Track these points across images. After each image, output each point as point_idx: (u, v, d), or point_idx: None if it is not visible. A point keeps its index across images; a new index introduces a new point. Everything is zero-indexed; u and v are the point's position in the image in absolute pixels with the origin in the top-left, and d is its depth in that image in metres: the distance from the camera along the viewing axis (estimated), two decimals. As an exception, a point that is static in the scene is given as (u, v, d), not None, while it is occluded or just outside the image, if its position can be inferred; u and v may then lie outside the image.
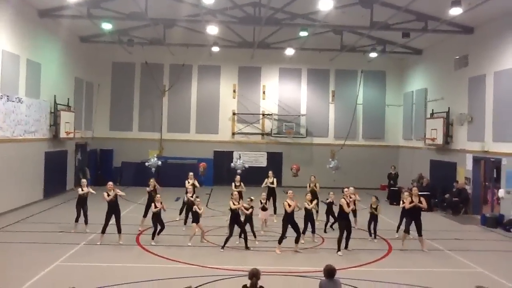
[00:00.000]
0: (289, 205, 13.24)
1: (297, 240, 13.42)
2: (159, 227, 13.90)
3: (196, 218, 13.84)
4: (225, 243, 13.32)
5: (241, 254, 13.08)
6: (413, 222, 13.95)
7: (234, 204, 13.58)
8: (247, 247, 13.45)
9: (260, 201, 14.99)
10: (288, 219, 13.34)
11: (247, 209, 13.90)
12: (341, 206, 13.60)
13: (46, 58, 21.51)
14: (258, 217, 15.10)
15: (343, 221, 13.57)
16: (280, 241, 13.41)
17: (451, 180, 21.62)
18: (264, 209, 15.08)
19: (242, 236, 13.61)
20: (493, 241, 15.93)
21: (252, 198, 14.34)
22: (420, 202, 13.91)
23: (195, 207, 14.01)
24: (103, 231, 13.62)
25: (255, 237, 14.18)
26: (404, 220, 14.57)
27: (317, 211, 16.06)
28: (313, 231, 14.62)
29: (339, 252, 13.24)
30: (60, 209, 18.94)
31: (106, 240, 13.63)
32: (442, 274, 11.84)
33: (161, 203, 14.01)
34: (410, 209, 14.00)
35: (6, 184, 17.69)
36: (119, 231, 13.70)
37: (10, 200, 18.06)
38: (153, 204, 14.08)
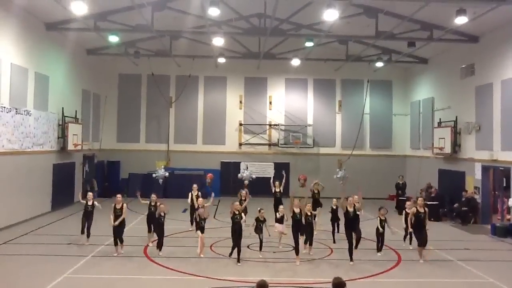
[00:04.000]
0: (294, 212, 13.37)
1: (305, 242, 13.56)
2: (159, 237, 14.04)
3: (199, 227, 13.75)
4: (238, 255, 13.18)
5: (248, 265, 12.99)
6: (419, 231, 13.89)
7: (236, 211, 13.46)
8: (239, 261, 13.10)
9: (276, 214, 14.73)
10: (296, 226, 13.34)
11: (260, 222, 13.83)
12: (345, 212, 13.64)
13: (54, 70, 21.72)
14: (273, 230, 14.76)
15: (348, 230, 13.54)
16: (296, 252, 13.22)
17: (460, 189, 21.45)
18: (280, 221, 14.54)
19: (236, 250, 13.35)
20: (504, 250, 15.74)
21: (262, 209, 14.18)
22: (424, 212, 13.81)
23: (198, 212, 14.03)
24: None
25: (260, 249, 14.04)
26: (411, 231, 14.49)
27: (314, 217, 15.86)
28: (310, 243, 14.30)
29: (351, 262, 13.19)
30: (68, 221, 18.97)
31: (114, 252, 13.68)
32: (452, 285, 11.70)
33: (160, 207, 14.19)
34: (413, 220, 13.95)
35: (15, 196, 17.77)
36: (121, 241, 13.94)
37: (18, 212, 18.14)
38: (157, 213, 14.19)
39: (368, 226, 16.27)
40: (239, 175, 24.66)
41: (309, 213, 13.87)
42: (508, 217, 18.54)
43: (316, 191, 17.50)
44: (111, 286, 10.91)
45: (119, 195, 14.31)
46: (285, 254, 14.19)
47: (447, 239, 17.14)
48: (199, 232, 13.72)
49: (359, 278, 11.75)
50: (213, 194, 15.81)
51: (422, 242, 13.75)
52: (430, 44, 21.71)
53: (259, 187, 22.59)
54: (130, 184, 27.52)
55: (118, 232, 13.86)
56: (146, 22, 19.50)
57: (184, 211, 20.44)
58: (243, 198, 16.47)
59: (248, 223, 14.40)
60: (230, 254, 13.43)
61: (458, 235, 18.26)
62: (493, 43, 19.87)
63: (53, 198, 21.35)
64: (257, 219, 13.93)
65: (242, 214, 13.82)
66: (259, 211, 14.05)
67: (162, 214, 14.04)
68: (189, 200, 16.97)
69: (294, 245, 13.32)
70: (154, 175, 23.94)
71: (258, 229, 13.91)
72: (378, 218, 14.53)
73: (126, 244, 14.36)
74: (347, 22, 20.81)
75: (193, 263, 13.11)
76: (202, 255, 13.59)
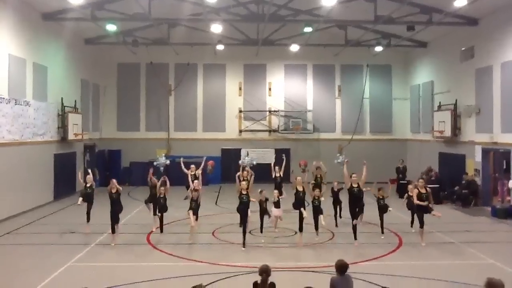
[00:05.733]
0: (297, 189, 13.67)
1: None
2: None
3: (191, 207, 13.85)
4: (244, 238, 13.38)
5: (251, 251, 13.09)
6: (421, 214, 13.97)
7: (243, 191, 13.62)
8: (244, 245, 13.21)
9: (274, 198, 14.83)
10: (298, 204, 13.54)
11: (263, 202, 14.00)
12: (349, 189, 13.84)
13: (52, 61, 21.65)
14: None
15: (352, 206, 13.77)
16: (300, 229, 13.43)
17: (460, 172, 21.52)
18: (276, 205, 14.57)
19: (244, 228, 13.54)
20: (504, 232, 15.86)
21: (263, 190, 14.30)
22: (427, 192, 13.87)
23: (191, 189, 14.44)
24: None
25: (261, 231, 14.19)
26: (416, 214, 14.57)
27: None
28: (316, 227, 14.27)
29: (355, 243, 13.42)
30: (71, 210, 19.04)
31: (118, 240, 13.72)
32: (454, 266, 11.80)
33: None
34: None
35: (17, 187, 17.84)
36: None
37: (21, 202, 18.23)
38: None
39: (368, 210, 16.33)
40: (240, 161, 24.74)
41: (317, 197, 13.89)
42: (508, 198, 18.63)
43: (318, 176, 17.47)
44: (115, 274, 11.00)
45: (113, 180, 14.22)
46: (287, 239, 14.29)
47: (448, 221, 17.21)
48: (190, 212, 13.76)
49: (361, 261, 11.84)
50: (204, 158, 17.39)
51: (422, 223, 13.83)
52: (430, 28, 21.59)
53: (259, 173, 22.55)
54: (131, 173, 27.63)
55: (115, 217, 13.69)
56: (143, 10, 19.38)
57: (186, 198, 20.50)
58: (245, 178, 16.17)
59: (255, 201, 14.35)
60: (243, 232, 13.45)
61: (459, 218, 18.37)
62: (493, 25, 19.78)
63: (55, 187, 21.44)
64: (260, 202, 14.02)
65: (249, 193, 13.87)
66: (260, 192, 14.14)
67: (162, 195, 14.44)
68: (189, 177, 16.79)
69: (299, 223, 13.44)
70: (155, 163, 24.02)
71: (262, 211, 14.07)
72: (377, 198, 14.82)
73: (129, 232, 14.46)
74: (346, 6, 20.68)
75: (196, 249, 13.22)
76: (193, 225, 13.75)
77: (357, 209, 13.77)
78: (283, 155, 19.46)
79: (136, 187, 24.77)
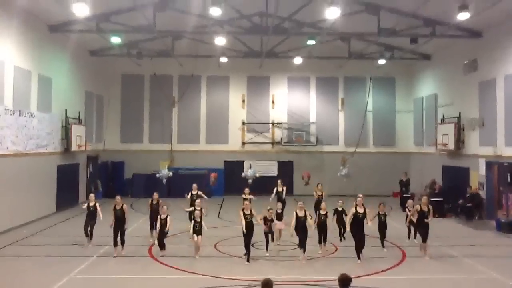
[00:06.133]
0: (298, 215, 13.33)
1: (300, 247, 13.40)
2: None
3: (195, 230, 13.59)
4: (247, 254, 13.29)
5: (253, 264, 13.01)
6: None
7: (246, 214, 13.48)
8: (248, 260, 13.15)
9: (276, 210, 14.86)
10: (298, 228, 13.33)
11: (268, 221, 13.85)
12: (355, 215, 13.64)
13: (57, 72, 21.78)
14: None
15: (355, 229, 13.58)
16: (300, 246, 13.34)
17: (464, 185, 21.39)
18: (279, 218, 14.81)
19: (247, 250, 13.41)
20: (508, 246, 15.68)
21: (271, 208, 14.30)
22: (428, 210, 13.82)
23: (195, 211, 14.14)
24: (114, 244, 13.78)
25: (267, 249, 14.07)
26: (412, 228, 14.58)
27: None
28: (325, 241, 14.42)
29: (358, 261, 13.23)
30: (73, 222, 19.01)
31: (119, 252, 13.70)
32: (458, 281, 11.69)
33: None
34: (418, 218, 14.03)
35: (20, 197, 17.84)
36: (122, 242, 13.91)
37: (23, 213, 18.21)
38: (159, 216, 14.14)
39: (372, 224, 16.25)
40: (243, 174, 24.77)
41: (323, 213, 14.15)
42: (513, 212, 18.49)
43: (320, 193, 17.52)
44: (116, 286, 10.94)
45: (118, 197, 14.28)
46: (290, 252, 14.20)
47: (452, 235, 17.12)
48: (194, 235, 13.54)
49: (365, 275, 11.75)
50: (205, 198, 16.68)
51: (424, 237, 13.77)
52: (433, 40, 21.64)
53: (262, 185, 22.61)
54: (134, 184, 27.64)
55: (119, 233, 13.76)
56: (148, 23, 19.52)
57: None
58: (247, 196, 16.67)
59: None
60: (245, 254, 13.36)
61: (463, 231, 18.23)
62: (496, 38, 19.80)
63: (57, 199, 21.42)
64: (265, 218, 13.95)
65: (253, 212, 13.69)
66: (268, 210, 14.11)
67: (163, 216, 13.96)
68: (188, 196, 16.81)
69: (298, 244, 13.37)
70: (158, 175, 24.07)
71: (267, 228, 13.96)
72: (377, 213, 14.69)
73: (131, 245, 14.42)
74: (349, 19, 20.73)
75: (197, 262, 13.14)
76: (197, 256, 13.56)
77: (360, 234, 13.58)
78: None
79: (138, 199, 24.73)
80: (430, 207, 14.03)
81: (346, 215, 14.72)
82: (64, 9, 18.08)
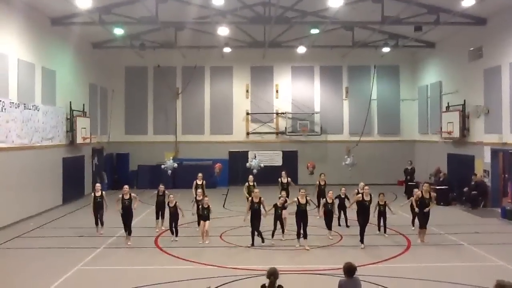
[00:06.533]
0: (300, 201, 13.53)
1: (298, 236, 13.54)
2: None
3: (203, 216, 14.01)
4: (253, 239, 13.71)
5: (259, 253, 13.09)
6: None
7: (254, 200, 13.69)
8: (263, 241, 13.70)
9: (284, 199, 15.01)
10: (299, 214, 13.48)
11: (279, 208, 14.06)
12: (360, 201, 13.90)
13: (61, 65, 21.81)
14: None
15: (360, 216, 13.83)
16: (298, 236, 13.49)
17: (469, 173, 21.34)
18: (284, 207, 14.83)
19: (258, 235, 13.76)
20: (514, 233, 15.72)
21: (282, 196, 14.58)
22: (430, 197, 13.93)
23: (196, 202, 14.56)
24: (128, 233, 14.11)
25: (272, 236, 14.23)
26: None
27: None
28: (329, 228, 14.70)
29: (362, 245, 13.41)
30: (79, 214, 19.16)
31: (128, 241, 13.91)
32: (463, 268, 11.72)
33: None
34: (418, 205, 14.15)
35: (26, 190, 17.96)
36: (129, 233, 14.14)
37: (30, 206, 18.35)
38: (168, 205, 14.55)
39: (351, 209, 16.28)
40: (247, 164, 24.83)
41: (330, 201, 14.53)
42: (518, 199, 18.47)
43: (322, 182, 17.62)
44: (123, 277, 11.04)
45: (126, 186, 14.58)
46: (295, 241, 14.23)
47: (457, 223, 17.13)
48: (201, 221, 14.01)
49: (369, 264, 11.80)
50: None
51: (423, 224, 13.97)
52: (437, 28, 21.47)
53: (267, 175, 22.67)
54: (139, 176, 27.76)
55: (127, 220, 14.01)
56: (151, 14, 19.47)
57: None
58: (251, 184, 16.97)
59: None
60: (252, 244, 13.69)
61: (468, 219, 18.23)
62: (501, 25, 19.62)
63: (63, 191, 21.56)
64: (275, 206, 14.06)
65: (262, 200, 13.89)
66: (279, 198, 14.34)
67: (172, 204, 14.39)
68: (193, 189, 16.84)
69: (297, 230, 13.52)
70: (163, 166, 24.15)
71: (277, 217, 14.13)
72: (377, 203, 14.81)
73: (137, 236, 14.51)
74: (353, 7, 20.65)
75: (203, 252, 13.22)
76: (206, 242, 13.95)
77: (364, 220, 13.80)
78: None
79: (143, 190, 24.82)
80: (433, 194, 14.07)
81: (348, 200, 15.11)
82: (66, 1, 18.06)
